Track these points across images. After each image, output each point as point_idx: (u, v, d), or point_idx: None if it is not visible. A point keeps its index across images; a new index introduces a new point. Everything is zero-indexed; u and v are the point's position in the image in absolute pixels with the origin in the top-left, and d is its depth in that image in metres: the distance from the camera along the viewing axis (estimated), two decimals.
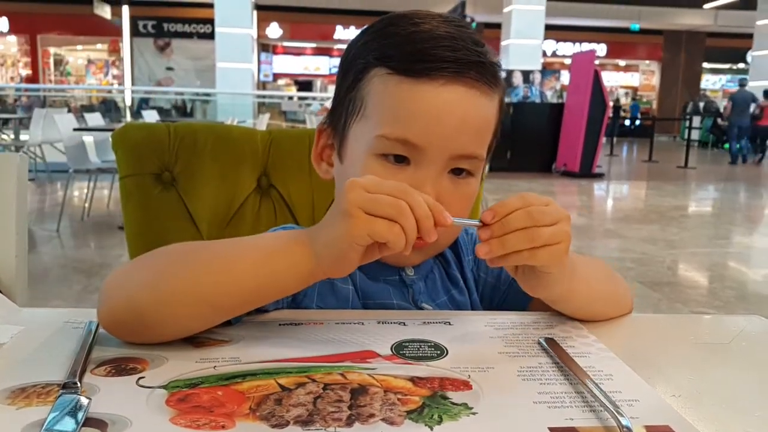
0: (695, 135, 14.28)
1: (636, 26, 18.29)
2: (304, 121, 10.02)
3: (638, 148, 15.63)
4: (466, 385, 0.51)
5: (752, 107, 12.04)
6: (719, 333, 0.68)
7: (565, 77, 10.65)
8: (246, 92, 10.18)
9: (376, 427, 0.44)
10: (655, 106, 21.41)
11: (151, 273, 0.58)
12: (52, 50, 17.73)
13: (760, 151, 12.69)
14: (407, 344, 0.59)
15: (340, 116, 0.70)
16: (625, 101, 20.76)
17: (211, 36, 11.10)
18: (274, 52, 19.59)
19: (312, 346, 0.58)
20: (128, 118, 10.82)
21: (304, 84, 18.40)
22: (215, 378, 0.50)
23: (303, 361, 0.54)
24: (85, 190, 5.38)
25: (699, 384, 0.54)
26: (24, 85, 15.95)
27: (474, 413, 0.46)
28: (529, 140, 9.13)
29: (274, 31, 18.28)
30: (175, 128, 0.98)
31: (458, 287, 0.78)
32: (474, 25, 10.82)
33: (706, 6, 17.40)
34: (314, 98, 12.60)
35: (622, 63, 22.06)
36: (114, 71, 18.09)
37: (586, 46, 18.42)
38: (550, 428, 0.44)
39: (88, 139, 5.37)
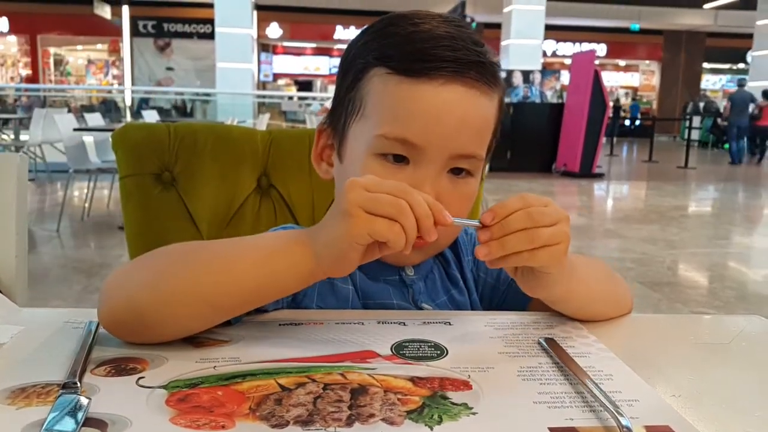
0: (695, 135, 14.29)
1: (636, 26, 18.29)
2: (304, 121, 10.02)
3: (638, 148, 15.63)
4: (466, 385, 0.51)
5: (751, 107, 12.06)
6: (719, 333, 0.68)
7: (565, 77, 10.65)
8: (246, 92, 10.18)
9: (376, 427, 0.44)
10: (655, 106, 21.41)
11: (151, 273, 0.58)
12: (52, 50, 17.73)
13: (759, 151, 12.70)
14: (407, 344, 0.59)
15: (339, 116, 0.71)
16: (625, 101, 20.76)
17: (211, 36, 11.10)
18: (274, 52, 19.59)
19: (312, 346, 0.58)
20: (128, 118, 10.82)
21: (304, 84, 18.40)
22: (215, 378, 0.50)
23: (303, 361, 0.54)
24: (85, 190, 5.38)
25: (699, 384, 0.54)
26: (24, 85, 15.95)
27: (474, 413, 0.46)
28: (529, 140, 9.13)
29: (274, 31, 18.29)
30: (175, 128, 0.98)
31: (458, 287, 0.78)
32: (474, 25, 10.82)
33: (706, 6, 17.40)
34: (314, 98, 12.61)
35: (622, 63, 22.07)
36: (114, 71, 18.10)
37: (586, 46, 18.42)
38: (550, 428, 0.44)
39: (88, 139, 5.37)
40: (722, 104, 14.96)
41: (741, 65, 20.53)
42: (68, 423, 0.42)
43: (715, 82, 22.14)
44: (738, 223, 6.03)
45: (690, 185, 8.72)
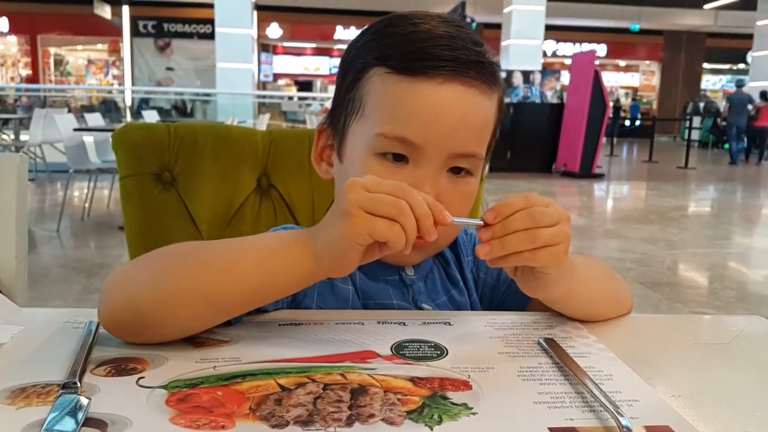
0: (695, 135, 14.29)
1: (636, 26, 18.29)
2: (304, 122, 10.03)
3: (638, 149, 15.63)
4: (466, 386, 0.51)
5: (749, 108, 12.11)
6: (719, 333, 0.68)
7: (565, 77, 10.64)
8: (246, 92, 10.18)
9: (376, 428, 0.44)
10: (655, 106, 21.41)
11: (152, 273, 0.58)
12: (52, 50, 17.73)
13: (758, 151, 12.72)
14: (407, 344, 0.59)
15: (339, 116, 0.71)
16: (625, 101, 20.76)
17: (211, 36, 11.10)
18: (274, 53, 19.59)
19: (312, 346, 0.58)
20: (128, 118, 10.82)
21: (304, 84, 18.40)
22: (215, 378, 0.50)
23: (303, 362, 0.54)
24: (85, 190, 5.38)
25: (699, 384, 0.54)
26: (24, 86, 15.95)
27: (474, 413, 0.46)
28: (529, 140, 9.14)
29: (274, 31, 18.29)
30: (175, 128, 0.98)
31: (458, 287, 0.78)
32: (474, 25, 10.82)
33: (707, 6, 17.41)
34: (314, 98, 12.61)
35: (622, 63, 22.07)
36: (114, 71, 18.10)
37: (586, 47, 18.42)
38: (550, 428, 0.44)
39: (89, 139, 5.37)
40: (722, 104, 14.98)
41: (741, 65, 20.54)
42: (68, 423, 0.42)
43: (715, 83, 22.14)
44: (738, 223, 6.03)
45: (690, 185, 8.72)
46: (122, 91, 14.62)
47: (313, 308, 0.70)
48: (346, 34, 18.18)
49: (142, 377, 0.50)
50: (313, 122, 7.97)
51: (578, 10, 16.71)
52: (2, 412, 0.44)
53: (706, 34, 19.80)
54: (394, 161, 0.65)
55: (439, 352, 0.57)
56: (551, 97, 9.76)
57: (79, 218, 5.01)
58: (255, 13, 11.37)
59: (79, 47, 18.02)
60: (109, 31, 16.56)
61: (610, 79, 20.40)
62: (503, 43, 10.88)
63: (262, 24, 17.10)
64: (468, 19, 10.78)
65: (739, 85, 12.79)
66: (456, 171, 0.66)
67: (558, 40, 19.15)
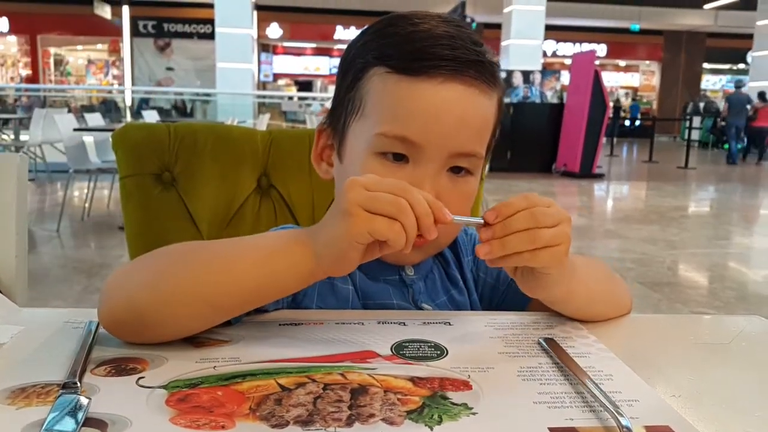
0: (695, 135, 14.30)
1: (636, 26, 18.29)
2: (304, 122, 10.02)
3: (638, 149, 15.63)
4: (466, 386, 0.51)
5: (748, 108, 12.17)
6: (719, 333, 0.68)
7: (565, 77, 10.65)
8: (246, 92, 10.18)
9: (376, 427, 0.44)
10: (655, 106, 21.41)
11: (152, 273, 0.58)
12: (52, 50, 17.73)
13: (758, 152, 12.75)
14: (407, 344, 0.59)
15: (339, 116, 0.71)
16: (625, 101, 20.76)
17: (211, 36, 11.10)
18: (275, 53, 19.59)
19: (312, 346, 0.58)
20: (128, 118, 10.82)
21: (304, 84, 18.40)
22: (215, 378, 0.50)
23: (303, 361, 0.54)
24: (85, 191, 5.38)
25: (699, 384, 0.54)
26: (24, 85, 15.95)
27: (474, 413, 0.46)
28: (529, 140, 9.14)
29: (274, 31, 18.29)
30: (175, 128, 0.98)
31: (458, 287, 0.78)
32: (474, 25, 10.81)
33: (707, 6, 17.41)
34: (314, 98, 12.61)
35: (622, 63, 22.07)
36: (114, 71, 18.10)
37: (586, 47, 18.42)
38: (550, 428, 0.44)
39: (89, 139, 5.37)
40: (722, 105, 15.00)
41: (741, 65, 20.54)
42: (68, 423, 0.42)
43: (715, 83, 22.14)
44: (738, 223, 6.04)
45: (690, 185, 8.72)
46: (122, 91, 14.62)
47: (313, 308, 0.70)
48: (346, 34, 18.18)
49: (142, 377, 0.50)
50: (313, 122, 7.97)
51: (578, 10, 16.71)
52: (2, 412, 0.44)
53: (706, 34, 19.80)
54: (395, 161, 0.65)
55: (439, 352, 0.57)
56: (551, 97, 9.76)
57: (79, 218, 5.01)
58: (255, 13, 11.37)
59: (79, 47, 18.02)
60: (109, 31, 16.56)
61: (610, 79, 20.40)
62: (503, 43, 10.88)
63: (262, 24, 17.10)
64: (468, 19, 10.78)
65: (738, 85, 12.86)
66: (456, 170, 0.66)
67: (558, 40, 19.15)
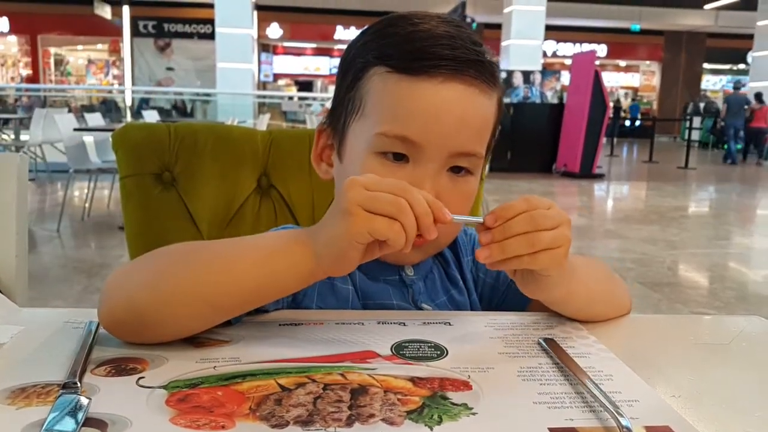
0: (695, 135, 14.31)
1: (636, 27, 18.29)
2: (304, 122, 10.02)
3: (638, 149, 15.63)
4: (466, 386, 0.51)
5: (746, 109, 12.24)
6: (719, 333, 0.68)
7: (565, 78, 10.64)
8: (246, 92, 10.18)
9: (376, 428, 0.44)
10: (655, 106, 21.41)
11: (152, 273, 0.58)
12: (52, 50, 17.74)
13: (756, 152, 12.78)
14: (407, 344, 0.59)
15: (339, 116, 0.71)
16: (625, 102, 20.76)
17: (211, 36, 11.10)
18: (275, 53, 19.59)
19: (312, 346, 0.58)
20: (128, 118, 10.82)
21: (305, 84, 18.41)
22: (215, 378, 0.50)
23: (303, 362, 0.54)
24: (86, 190, 5.38)
25: (699, 384, 0.54)
26: (24, 85, 15.95)
27: (474, 413, 0.46)
28: (530, 141, 9.14)
29: (274, 31, 18.29)
30: (175, 128, 0.98)
31: (458, 287, 0.78)
32: (474, 25, 10.82)
33: (707, 6, 17.40)
34: (314, 98, 12.61)
35: (622, 63, 22.07)
36: (114, 71, 18.10)
37: (586, 47, 18.42)
38: (550, 429, 0.44)
39: (89, 139, 5.37)
40: (722, 105, 15.02)
41: (741, 66, 20.54)
42: (68, 423, 0.42)
43: (715, 83, 22.13)
44: (738, 223, 6.04)
45: (690, 186, 8.72)
46: (122, 91, 14.62)
47: (313, 308, 0.70)
48: (346, 34, 18.18)
49: (142, 377, 0.50)
50: (313, 122, 7.97)
51: (578, 10, 16.71)
52: (2, 412, 0.44)
53: (706, 34, 19.80)
54: (395, 160, 0.65)
55: (439, 353, 0.57)
56: (551, 98, 9.76)
57: (79, 218, 5.01)
58: (255, 13, 11.37)
59: (80, 47, 18.02)
60: (109, 31, 16.57)
61: (611, 80, 20.40)
62: (503, 44, 10.88)
63: (262, 24, 17.10)
64: (468, 20, 10.79)
65: (737, 86, 12.91)
66: (456, 170, 0.66)
67: (558, 41, 19.15)
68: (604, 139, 9.19)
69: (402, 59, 0.64)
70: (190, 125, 1.00)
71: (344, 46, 0.75)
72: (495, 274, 0.79)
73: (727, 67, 22.02)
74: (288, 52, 19.87)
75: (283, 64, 19.72)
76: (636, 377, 0.54)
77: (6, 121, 8.65)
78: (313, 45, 19.83)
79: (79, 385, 0.47)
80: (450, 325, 0.65)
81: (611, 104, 11.31)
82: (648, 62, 21.93)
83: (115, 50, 17.79)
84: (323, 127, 0.75)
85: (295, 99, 12.82)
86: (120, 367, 0.52)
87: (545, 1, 10.52)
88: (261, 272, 0.56)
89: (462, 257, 0.80)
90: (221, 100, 10.43)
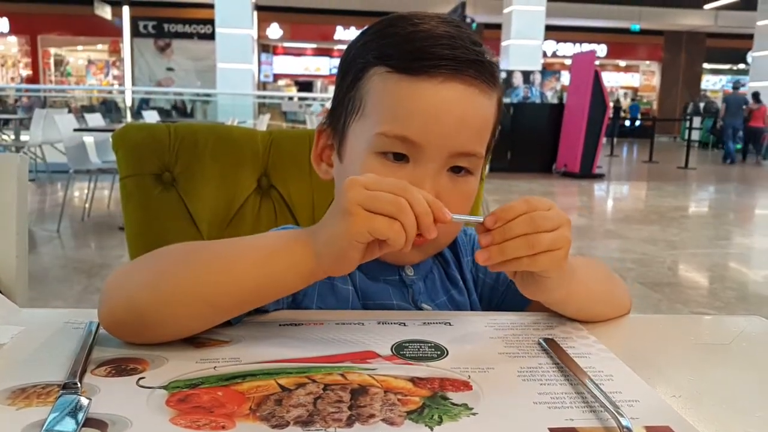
0: (695, 136, 14.31)
1: (636, 27, 18.29)
2: (304, 122, 10.03)
3: (638, 149, 15.63)
4: (466, 386, 0.51)
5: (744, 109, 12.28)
6: (719, 333, 0.68)
7: (565, 78, 10.65)
8: (246, 93, 10.18)
9: (377, 428, 0.44)
10: (655, 106, 21.41)
11: (152, 273, 0.58)
12: (52, 51, 17.74)
13: (755, 151, 12.81)
14: (407, 345, 0.59)
15: (339, 116, 0.71)
16: (625, 102, 20.76)
17: (211, 36, 11.10)
18: (275, 53, 19.59)
19: (312, 346, 0.58)
20: (128, 118, 10.82)
21: (305, 84, 18.41)
22: (215, 378, 0.50)
23: (303, 362, 0.54)
24: (86, 191, 5.38)
25: (699, 384, 0.54)
26: (24, 86, 15.95)
27: (474, 414, 0.46)
28: (530, 141, 9.14)
29: (274, 31, 18.29)
30: (175, 129, 0.98)
31: (458, 287, 0.78)
32: (474, 25, 10.82)
33: (707, 6, 17.40)
34: (314, 99, 12.61)
35: (622, 63, 22.06)
36: (114, 72, 18.10)
37: (586, 47, 18.42)
38: (550, 429, 0.44)
39: (89, 139, 5.37)
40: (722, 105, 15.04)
41: (741, 66, 20.54)
42: (68, 423, 0.42)
43: (715, 83, 22.12)
44: (738, 223, 6.04)
45: (690, 186, 8.72)
46: (122, 92, 14.61)
47: (313, 308, 0.70)
48: (346, 34, 18.18)
49: (143, 377, 0.50)
50: (313, 122, 7.97)
51: (578, 10, 16.71)
52: (2, 412, 0.44)
53: (706, 34, 19.79)
54: (395, 160, 0.65)
55: (439, 353, 0.57)
56: (551, 98, 9.76)
57: (79, 218, 5.01)
58: (255, 13, 11.37)
59: (80, 47, 18.02)
60: (109, 31, 16.56)
61: (610, 80, 20.40)
62: (503, 44, 10.88)
63: (263, 24, 17.10)
64: (468, 20, 10.80)
65: (736, 86, 12.93)
66: (456, 170, 0.66)
67: (558, 41, 19.15)
68: (604, 139, 9.20)
69: (402, 59, 0.64)
70: (190, 125, 1.00)
71: (344, 47, 0.75)
72: (495, 274, 0.79)
73: (727, 67, 22.01)
74: (288, 52, 19.87)
75: (283, 64, 19.72)
76: (636, 377, 0.54)
77: (6, 122, 8.66)
78: (313, 45, 19.83)
79: (79, 385, 0.47)
80: (450, 325, 0.65)
81: (611, 104, 11.32)
82: (648, 62, 21.93)
83: (115, 50, 17.79)
84: (323, 128, 0.75)
85: (295, 99, 12.82)
86: (120, 368, 0.52)
87: (545, 1, 10.52)
88: (261, 272, 0.56)
89: (462, 257, 0.80)
90: (221, 100, 10.43)
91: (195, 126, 1.00)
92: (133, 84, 16.08)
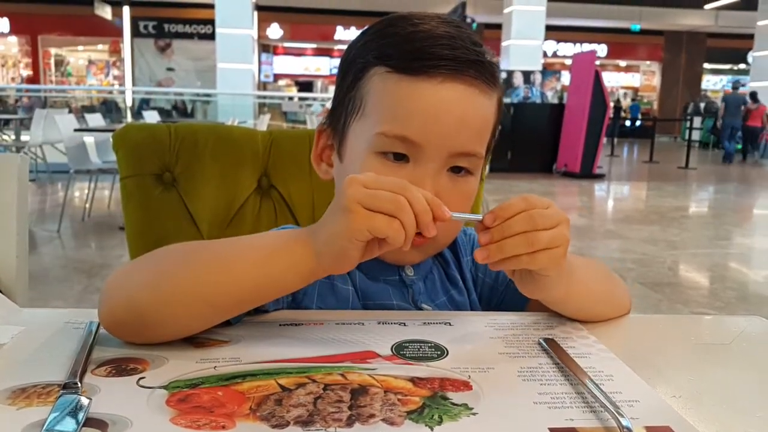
0: (696, 136, 14.30)
1: (637, 27, 18.29)
2: (304, 122, 10.03)
3: (639, 149, 15.63)
4: (466, 386, 0.51)
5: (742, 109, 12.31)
6: (720, 333, 0.68)
7: (565, 78, 10.64)
8: (246, 93, 10.18)
9: (377, 428, 0.44)
10: (655, 106, 21.40)
11: (152, 273, 0.58)
12: (53, 51, 17.74)
13: (753, 150, 12.82)
14: (407, 344, 0.59)
15: (339, 116, 0.71)
16: (625, 102, 20.75)
17: (211, 37, 11.10)
18: (275, 53, 19.59)
19: (312, 346, 0.58)
20: (129, 118, 10.82)
21: (305, 84, 18.41)
22: (215, 378, 0.50)
23: (303, 362, 0.54)
24: (86, 191, 5.38)
25: (699, 384, 0.54)
26: (25, 86, 15.95)
27: (474, 414, 0.46)
28: (530, 141, 9.14)
29: (274, 31, 18.29)
30: (175, 129, 0.98)
31: (457, 287, 0.78)
32: (474, 26, 10.82)
33: (707, 6, 17.40)
34: (315, 99, 12.61)
35: (622, 63, 22.06)
36: (115, 72, 18.10)
37: (586, 47, 18.42)
38: (550, 429, 0.44)
39: (89, 139, 5.37)
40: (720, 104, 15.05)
41: (742, 66, 20.53)
42: (69, 423, 0.42)
43: (715, 83, 22.11)
44: (739, 223, 6.03)
45: (691, 186, 8.72)
46: (123, 92, 14.60)
47: (313, 308, 0.70)
48: (347, 34, 18.18)
49: (143, 377, 0.50)
50: (313, 122, 7.97)
51: (578, 10, 16.71)
52: (3, 412, 0.44)
53: (706, 34, 19.79)
54: (395, 160, 0.65)
55: (439, 353, 0.57)
56: (552, 98, 9.76)
57: (79, 219, 5.01)
58: (255, 13, 11.37)
59: (80, 48, 18.03)
60: (109, 31, 16.56)
61: (611, 80, 20.39)
62: (504, 44, 10.88)
63: (263, 24, 17.10)
64: (468, 20, 10.79)
65: (735, 86, 12.95)
66: (456, 170, 0.67)
67: (558, 41, 19.14)
68: (604, 139, 9.19)
69: (402, 59, 0.64)
70: (190, 126, 1.00)
71: (344, 47, 0.75)
72: (494, 274, 0.79)
73: (727, 67, 22.00)
74: (288, 52, 19.87)
75: (284, 64, 19.72)
76: (636, 377, 0.54)
77: (6, 122, 8.66)
78: (314, 45, 19.83)
79: (79, 385, 0.48)
80: (450, 325, 0.65)
81: (611, 104, 11.32)
82: (648, 62, 21.92)
83: (116, 51, 17.79)
84: (323, 128, 0.75)
85: (296, 99, 12.82)
86: (120, 368, 0.52)
87: (545, 1, 10.52)
88: (261, 272, 0.56)
89: (461, 257, 0.80)
90: (221, 100, 10.43)
91: (195, 126, 1.01)
92: (134, 84, 16.08)
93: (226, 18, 9.74)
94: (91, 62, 18.21)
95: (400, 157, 0.65)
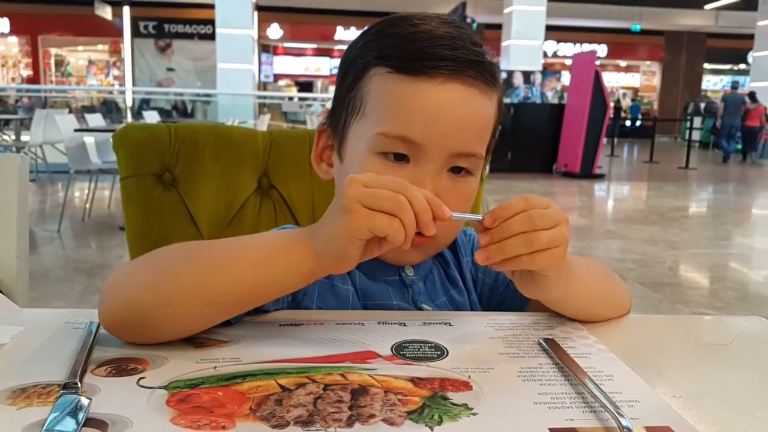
0: (696, 136, 14.29)
1: (637, 27, 18.29)
2: (304, 122, 10.03)
3: (639, 149, 15.63)
4: (466, 386, 0.51)
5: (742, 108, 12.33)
6: (720, 334, 0.68)
7: (565, 78, 10.65)
8: (247, 93, 10.18)
9: (377, 428, 0.44)
10: (656, 106, 21.40)
11: (152, 273, 0.58)
12: (53, 51, 17.75)
13: (751, 150, 12.83)
14: (407, 345, 0.59)
15: (340, 116, 0.71)
16: (625, 102, 20.75)
17: (211, 37, 11.11)
18: (275, 53, 19.59)
19: (312, 346, 0.58)
20: (129, 118, 10.83)
21: (305, 85, 18.41)
22: (215, 378, 0.50)
23: (303, 362, 0.54)
24: (86, 191, 5.38)
25: (699, 385, 0.54)
26: (25, 86, 15.95)
27: (474, 414, 0.46)
28: (530, 141, 9.14)
29: (274, 31, 18.29)
30: (175, 129, 0.98)
31: (457, 288, 0.78)
32: (474, 26, 10.82)
33: (707, 7, 17.40)
34: (315, 99, 12.61)
35: (622, 64, 22.06)
36: (115, 72, 18.11)
37: (586, 47, 18.42)
38: (550, 429, 0.44)
39: (89, 139, 5.37)
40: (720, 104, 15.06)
41: (742, 66, 20.53)
42: (69, 423, 0.42)
43: (716, 83, 22.11)
44: (739, 223, 6.03)
45: (691, 186, 8.72)
46: (123, 92, 14.60)
47: (313, 308, 0.70)
48: (347, 34, 18.18)
49: (143, 377, 0.50)
50: (313, 123, 7.97)
51: (578, 10, 16.71)
52: (3, 412, 0.44)
53: (706, 34, 19.79)
54: (395, 160, 0.65)
55: (439, 353, 0.57)
56: (552, 98, 9.76)
57: (79, 219, 5.01)
58: (255, 13, 11.37)
59: (80, 48, 18.03)
60: (109, 31, 16.56)
61: (611, 80, 20.39)
62: (504, 44, 10.88)
63: (263, 24, 17.10)
64: (468, 20, 10.80)
65: (734, 86, 12.97)
66: (456, 170, 0.67)
67: (558, 41, 19.14)
68: (604, 140, 9.19)
69: (402, 59, 0.64)
70: (190, 126, 1.00)
71: (344, 47, 0.75)
72: (494, 274, 0.79)
73: (727, 67, 22.00)
74: (288, 52, 19.87)
75: (284, 64, 19.72)
76: (636, 377, 0.54)
77: (7, 122, 8.66)
78: (314, 45, 19.83)
79: (79, 385, 0.48)
80: (450, 325, 0.65)
81: (612, 104, 11.31)
82: (648, 62, 21.92)
83: (116, 51, 17.80)
84: (323, 128, 0.75)
85: (296, 99, 12.82)
86: (120, 368, 0.52)
87: (545, 1, 10.52)
88: (261, 272, 0.56)
89: (461, 257, 0.80)
90: (221, 100, 10.43)
91: (195, 126, 1.01)
92: (134, 84, 16.08)
93: (226, 18, 9.74)
94: (91, 62, 18.21)
95: (400, 158, 0.65)
